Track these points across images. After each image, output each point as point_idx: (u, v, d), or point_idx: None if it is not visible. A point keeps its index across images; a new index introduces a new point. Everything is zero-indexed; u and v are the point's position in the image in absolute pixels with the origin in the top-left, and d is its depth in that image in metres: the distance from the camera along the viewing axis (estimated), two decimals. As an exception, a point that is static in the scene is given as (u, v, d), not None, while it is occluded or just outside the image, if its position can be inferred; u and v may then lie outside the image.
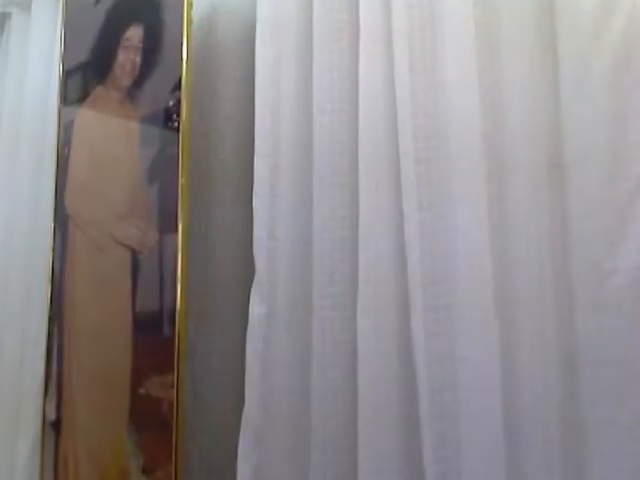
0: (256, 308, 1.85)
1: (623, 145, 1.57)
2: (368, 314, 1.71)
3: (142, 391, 1.96)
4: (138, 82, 2.11)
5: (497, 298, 1.63)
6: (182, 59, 1.96)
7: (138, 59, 2.11)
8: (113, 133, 2.19)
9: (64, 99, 2.33)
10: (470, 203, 1.66)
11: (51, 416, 2.21)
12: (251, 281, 1.87)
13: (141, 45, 2.11)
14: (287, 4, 1.94)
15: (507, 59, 1.70)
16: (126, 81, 2.14)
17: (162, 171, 2.02)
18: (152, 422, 1.93)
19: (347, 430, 1.72)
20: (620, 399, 1.52)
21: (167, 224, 1.96)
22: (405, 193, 1.70)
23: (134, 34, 2.14)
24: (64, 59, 2.33)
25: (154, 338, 1.97)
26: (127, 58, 2.13)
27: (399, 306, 1.71)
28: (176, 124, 1.96)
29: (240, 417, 1.83)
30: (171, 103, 1.99)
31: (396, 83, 1.73)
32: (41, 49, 2.60)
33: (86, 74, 2.27)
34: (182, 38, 1.97)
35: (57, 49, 2.41)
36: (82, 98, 2.28)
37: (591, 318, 1.56)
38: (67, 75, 2.33)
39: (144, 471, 1.94)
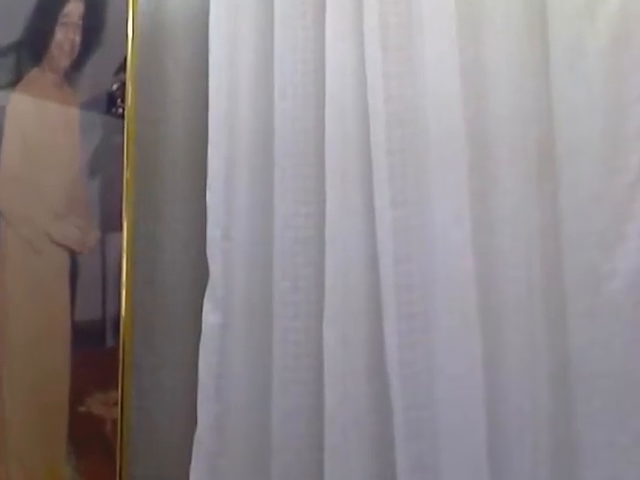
0: (210, 317, 1.79)
1: (621, 134, 1.50)
2: (335, 324, 1.65)
3: (82, 409, 1.89)
4: (78, 63, 2.03)
5: (480, 304, 1.57)
6: (127, 37, 1.90)
7: (78, 38, 2.02)
8: (50, 120, 2.10)
9: None
10: (450, 198, 1.59)
11: (-20, 436, 2.17)
12: (204, 287, 1.81)
13: (81, 22, 2.02)
14: (245, -25, 1.88)
15: (491, 38, 1.63)
16: (64, 62, 2.04)
17: (105, 163, 1.97)
18: (93, 444, 1.87)
19: (312, 454, 1.66)
20: (618, 417, 1.45)
21: (110, 222, 1.91)
22: (377, 187, 1.64)
23: (73, 10, 2.04)
24: None
25: (96, 350, 1.91)
26: (65, 37, 2.03)
27: (370, 315, 1.65)
28: (120, 110, 1.91)
29: (192, 439, 1.77)
30: (115, 87, 1.94)
31: (367, 64, 1.66)
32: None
33: (19, 55, 2.16)
34: (127, 14, 1.91)
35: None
36: (15, 82, 2.16)
37: (586, 326, 1.49)
38: None
39: None
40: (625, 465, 1.43)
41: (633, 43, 1.49)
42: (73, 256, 1.97)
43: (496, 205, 1.59)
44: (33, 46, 2.10)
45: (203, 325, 1.78)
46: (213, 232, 1.80)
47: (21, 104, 2.13)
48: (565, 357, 1.51)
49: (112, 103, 1.94)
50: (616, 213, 1.49)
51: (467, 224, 1.57)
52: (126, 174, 1.86)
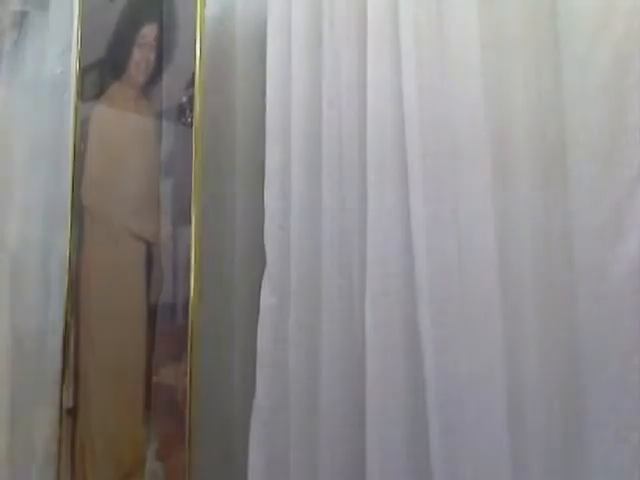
0: (267, 298, 1.88)
1: (624, 142, 1.58)
2: (376, 305, 1.73)
3: (156, 379, 1.99)
4: (153, 79, 2.14)
5: (501, 289, 1.64)
6: (195, 56, 1.98)
7: (152, 56, 2.14)
8: (128, 129, 2.22)
9: (81, 96, 2.35)
10: (475, 197, 1.68)
11: (68, 403, 2.25)
12: (262, 272, 1.90)
13: (155, 43, 2.14)
14: (297, 2, 1.95)
15: (511, 54, 1.71)
16: (141, 78, 2.17)
17: (176, 166, 2.05)
18: (166, 410, 1.95)
19: (355, 418, 1.74)
20: (621, 385, 1.53)
21: (181, 217, 1.99)
22: (411, 187, 1.71)
23: (149, 32, 2.16)
24: (81, 56, 2.36)
25: (168, 327, 2.00)
26: (142, 56, 2.17)
27: (406, 297, 1.73)
28: (190, 119, 1.99)
29: (252, 405, 1.86)
30: (185, 99, 2.02)
31: (403, 78, 1.74)
32: (58, 46, 2.62)
33: (102, 71, 2.30)
34: (195, 36, 1.99)
35: (74, 46, 2.42)
36: (98, 95, 2.30)
37: (593, 307, 1.57)
38: (84, 72, 2.36)
39: (159, 458, 1.97)
40: (627, 426, 1.52)
41: (635, 64, 1.58)
42: (149, 247, 2.08)
43: (514, 201, 1.67)
44: (114, 64, 2.23)
45: (261, 305, 1.88)
46: (270, 225, 1.90)
47: (103, 114, 2.26)
48: (574, 334, 1.60)
49: (182, 113, 2.02)
50: (619, 205, 1.56)
51: (490, 219, 1.65)
52: (195, 175, 1.93)
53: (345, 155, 1.85)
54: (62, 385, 2.29)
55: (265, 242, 1.90)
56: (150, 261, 2.09)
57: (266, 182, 1.93)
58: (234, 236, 2.13)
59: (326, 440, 1.77)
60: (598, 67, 1.61)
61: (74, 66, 2.41)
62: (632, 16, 1.58)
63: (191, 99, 1.99)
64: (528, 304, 1.65)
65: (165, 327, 2.01)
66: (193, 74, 1.99)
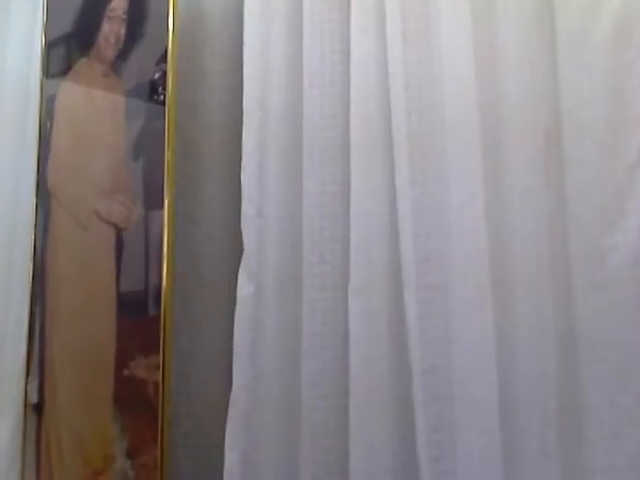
0: (244, 287, 1.84)
1: (623, 119, 1.54)
2: (360, 294, 1.70)
3: (127, 373, 1.94)
4: (123, 54, 2.09)
5: (492, 276, 1.61)
6: (168, 30, 1.94)
7: (122, 30, 2.09)
8: (97, 107, 2.17)
9: (46, 72, 2.30)
10: (465, 178, 1.65)
11: (33, 398, 2.19)
12: (239, 260, 1.86)
13: (125, 16, 2.09)
14: (276, -25, 1.91)
15: (503, 30, 1.67)
16: (110, 53, 2.12)
17: (147, 146, 2.01)
18: (137, 405, 1.91)
19: (338, 414, 1.71)
20: (620, 381, 1.49)
21: (152, 201, 1.95)
22: (397, 168, 1.69)
23: (118, 5, 2.11)
24: (46, 30, 2.30)
25: (139, 318, 1.95)
26: (111, 30, 2.11)
27: (391, 285, 1.70)
28: (162, 97, 1.95)
29: (228, 400, 1.82)
30: (157, 76, 1.98)
31: (388, 53, 1.72)
32: (23, 21, 2.54)
33: (69, 46, 2.25)
34: (168, 9, 1.95)
35: (39, 20, 2.36)
36: (65, 71, 2.25)
37: (590, 296, 1.53)
38: (49, 47, 2.30)
39: (129, 455, 1.93)
40: (626, 424, 1.47)
41: (635, 35, 1.53)
42: (118, 232, 2.02)
43: (507, 185, 1.63)
44: (82, 38, 2.17)
45: (238, 295, 1.83)
46: (247, 209, 1.85)
47: (71, 92, 2.20)
48: (571, 325, 1.55)
49: (154, 91, 1.97)
50: (617, 192, 1.52)
51: (480, 203, 1.62)
52: (167, 156, 1.90)
53: (327, 136, 1.82)
54: (26, 379, 2.22)
55: (242, 228, 1.86)
56: (120, 247, 2.04)
57: (243, 164, 1.88)
58: (209, 221, 2.08)
59: (307, 437, 1.73)
60: (595, 41, 1.57)
61: (40, 41, 2.34)
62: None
63: (164, 75, 1.95)
64: (521, 293, 1.61)
65: (136, 317, 1.97)
66: (166, 49, 1.95)
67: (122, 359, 1.95)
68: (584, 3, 1.58)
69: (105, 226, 2.06)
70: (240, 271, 1.85)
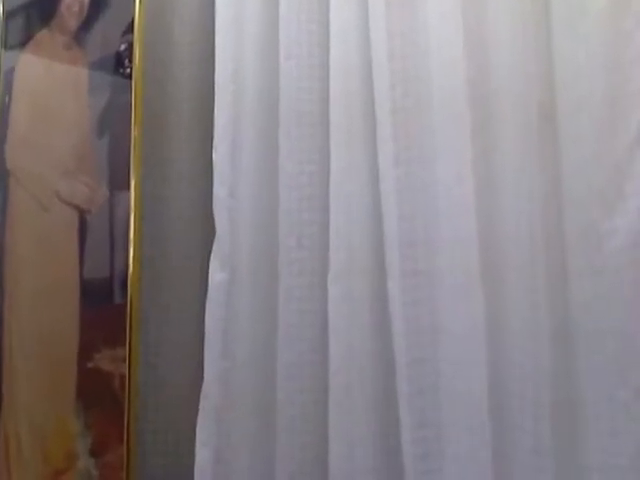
0: (216, 273, 1.79)
1: (621, 94, 1.46)
2: (340, 280, 1.65)
3: (91, 365, 1.92)
4: (86, 24, 2.05)
5: (482, 262, 1.55)
6: None
7: None
8: (59, 80, 2.13)
9: (4, 43, 2.27)
10: (453, 157, 1.58)
11: (-11, 392, 2.19)
12: (211, 244, 1.81)
13: None
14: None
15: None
16: (73, 23, 2.07)
17: (113, 122, 1.98)
18: (102, 399, 1.89)
19: (316, 409, 1.67)
20: (618, 372, 1.42)
21: (118, 181, 1.92)
22: (380, 146, 1.62)
23: None
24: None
25: (104, 307, 1.93)
26: None
27: (374, 272, 1.64)
28: (128, 70, 1.92)
29: (199, 394, 1.78)
30: (122, 47, 1.95)
31: (370, 22, 1.65)
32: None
33: (29, 16, 2.22)
34: None
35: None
36: (24, 42, 2.23)
37: (587, 283, 1.46)
38: (7, 17, 2.27)
39: (92, 453, 1.91)
40: (624, 419, 1.41)
41: (633, 4, 1.45)
42: (82, 214, 1.99)
43: (498, 164, 1.57)
44: (42, 7, 2.13)
45: (210, 282, 1.79)
46: (219, 190, 1.81)
47: (30, 64, 2.16)
48: (566, 314, 1.49)
49: (120, 63, 1.94)
50: (616, 172, 1.45)
51: (469, 183, 1.56)
52: (134, 133, 1.87)
53: (305, 111, 1.76)
54: (-18, 371, 2.22)
55: (214, 210, 1.81)
56: (83, 230, 2.00)
57: (215, 141, 1.83)
58: (178, 202, 2.05)
59: (284, 433, 1.68)
60: (592, 8, 1.49)
61: (-3, 10, 2.34)
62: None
63: (130, 47, 1.92)
64: (513, 280, 1.55)
65: (101, 306, 1.95)
66: (132, 19, 1.92)
67: (86, 351, 1.92)
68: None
69: (67, 208, 2.02)
70: (212, 256, 1.80)
